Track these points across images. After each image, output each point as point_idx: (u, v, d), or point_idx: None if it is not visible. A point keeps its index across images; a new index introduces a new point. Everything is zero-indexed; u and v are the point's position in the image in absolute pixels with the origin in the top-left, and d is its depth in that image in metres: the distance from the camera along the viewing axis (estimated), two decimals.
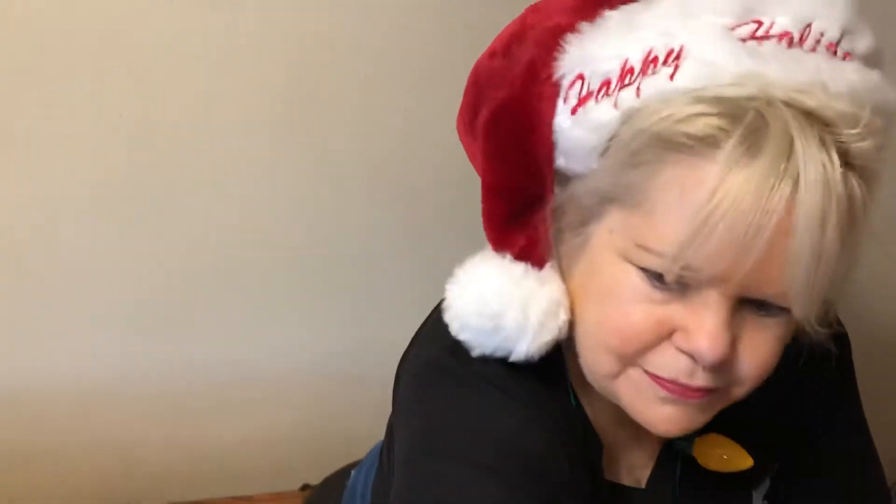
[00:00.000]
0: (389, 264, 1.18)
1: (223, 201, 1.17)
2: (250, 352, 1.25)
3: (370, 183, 1.18)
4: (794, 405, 0.71)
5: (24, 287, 1.18)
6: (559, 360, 0.63)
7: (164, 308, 1.20)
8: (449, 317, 0.61)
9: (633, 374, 0.56)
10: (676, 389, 0.54)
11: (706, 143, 0.48)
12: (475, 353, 0.61)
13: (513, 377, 0.61)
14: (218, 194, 1.16)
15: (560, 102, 0.56)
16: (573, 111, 0.55)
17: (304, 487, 1.29)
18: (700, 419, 0.57)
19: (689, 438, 0.66)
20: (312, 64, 1.13)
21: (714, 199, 0.47)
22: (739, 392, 0.56)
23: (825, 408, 0.72)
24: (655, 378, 0.54)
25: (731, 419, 0.63)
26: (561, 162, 0.58)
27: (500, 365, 0.61)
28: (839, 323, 0.72)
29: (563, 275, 0.60)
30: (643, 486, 0.68)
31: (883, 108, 0.52)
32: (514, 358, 0.60)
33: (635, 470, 0.70)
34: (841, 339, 0.72)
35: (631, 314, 0.53)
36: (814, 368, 0.68)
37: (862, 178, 0.50)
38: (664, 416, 0.55)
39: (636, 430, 0.63)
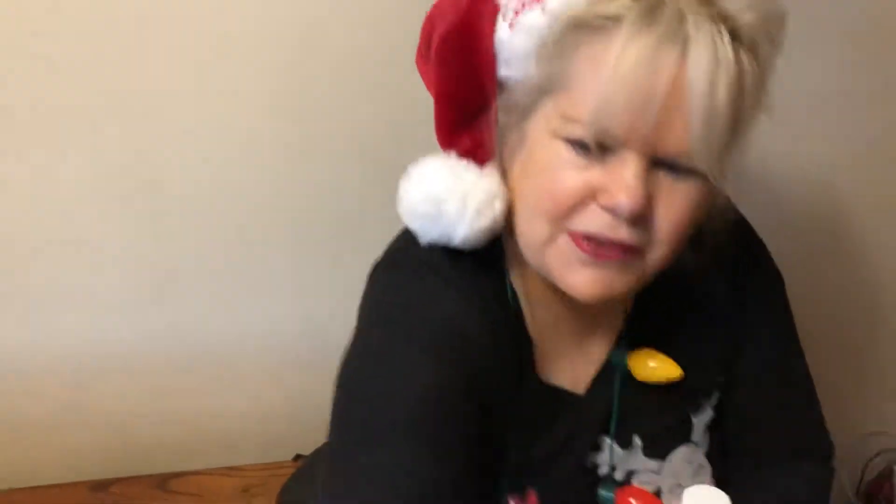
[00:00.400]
0: (382, 241, 1.19)
1: (214, 179, 1.18)
2: (244, 325, 1.26)
3: (363, 161, 1.19)
4: (724, 326, 0.79)
5: (16, 262, 1.19)
6: (499, 254, 0.72)
7: (158, 282, 1.21)
8: (401, 209, 0.70)
9: (561, 241, 0.64)
10: (598, 249, 0.62)
11: (613, 21, 0.58)
12: (423, 241, 0.70)
13: (454, 265, 0.70)
14: (209, 173, 1.17)
15: (500, 20, 0.65)
16: (511, 25, 0.64)
17: (297, 458, 1.32)
18: (619, 281, 0.64)
19: (624, 352, 0.75)
20: (305, 43, 1.13)
21: (618, 66, 0.56)
22: (655, 256, 0.64)
23: (755, 327, 0.80)
24: (579, 241, 0.63)
25: (669, 341, 0.74)
26: (503, 72, 0.67)
27: (443, 253, 0.70)
28: (752, 234, 0.82)
29: (505, 173, 0.69)
30: (581, 393, 0.76)
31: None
32: (454, 244, 0.69)
33: (579, 380, 0.76)
34: (757, 246, 0.81)
35: (561, 180, 0.62)
36: (740, 286, 0.78)
37: (751, 53, 0.59)
38: (586, 279, 0.63)
39: (578, 338, 0.73)
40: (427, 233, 0.70)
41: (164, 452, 1.31)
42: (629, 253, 0.63)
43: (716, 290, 0.79)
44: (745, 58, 0.59)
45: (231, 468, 1.30)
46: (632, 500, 0.75)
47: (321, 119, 1.17)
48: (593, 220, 0.62)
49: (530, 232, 0.67)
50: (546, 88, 0.64)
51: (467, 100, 0.68)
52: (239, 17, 1.10)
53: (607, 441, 0.75)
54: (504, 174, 0.70)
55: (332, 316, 1.26)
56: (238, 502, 1.26)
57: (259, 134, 1.16)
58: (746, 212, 0.85)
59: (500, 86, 0.68)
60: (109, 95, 1.11)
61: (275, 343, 1.32)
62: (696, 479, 0.77)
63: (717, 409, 0.81)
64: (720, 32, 0.57)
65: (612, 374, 0.76)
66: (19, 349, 1.25)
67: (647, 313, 0.77)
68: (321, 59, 1.15)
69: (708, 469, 0.79)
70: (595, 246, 0.63)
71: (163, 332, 1.23)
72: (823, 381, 1.46)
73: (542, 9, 0.62)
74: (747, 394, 0.81)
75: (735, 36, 0.59)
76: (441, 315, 0.69)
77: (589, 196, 0.62)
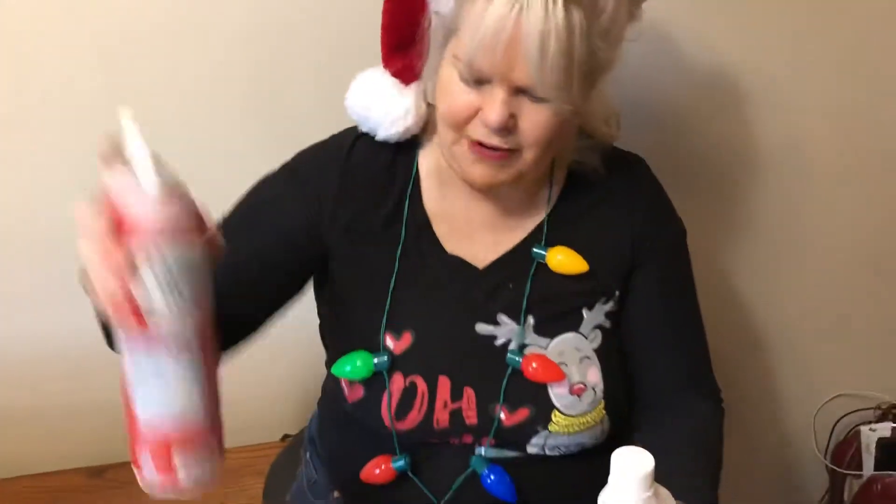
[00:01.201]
0: None
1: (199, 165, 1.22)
2: None
3: None
4: (624, 244, 0.94)
5: (15, 253, 1.24)
6: (415, 149, 0.93)
7: None
8: (347, 104, 0.91)
9: (461, 144, 0.83)
10: (483, 151, 0.82)
11: None
12: (359, 130, 0.92)
13: (368, 148, 0.92)
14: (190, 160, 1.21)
15: None
16: None
17: (285, 438, 1.37)
18: (501, 174, 0.84)
19: (543, 245, 0.91)
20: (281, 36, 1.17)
21: (479, 22, 0.76)
22: (527, 157, 0.83)
23: (650, 259, 0.95)
24: (471, 146, 0.82)
25: (577, 244, 0.91)
26: (433, 7, 0.84)
27: (367, 139, 0.92)
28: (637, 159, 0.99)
29: (429, 94, 0.89)
30: (480, 268, 0.92)
31: None
32: (378, 138, 0.91)
33: (480, 258, 0.92)
34: (659, 192, 0.98)
35: (455, 100, 0.82)
36: (642, 220, 0.94)
37: (586, 12, 0.76)
38: (476, 172, 0.84)
39: (490, 227, 0.92)
40: (361, 126, 0.92)
41: None
42: (505, 155, 0.82)
43: (620, 214, 0.94)
44: (577, 14, 0.76)
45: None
46: (534, 364, 0.88)
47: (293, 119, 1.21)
48: (477, 130, 0.81)
49: (442, 134, 0.86)
50: (451, 28, 0.81)
51: (404, 29, 0.87)
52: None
53: (504, 316, 0.90)
54: (427, 94, 0.90)
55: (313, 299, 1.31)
56: (229, 483, 1.30)
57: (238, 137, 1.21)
58: None
59: (432, 21, 0.85)
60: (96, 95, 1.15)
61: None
62: (580, 367, 0.89)
63: (610, 318, 0.93)
64: (554, 1, 0.74)
65: (516, 260, 0.92)
66: (14, 341, 1.30)
67: (562, 220, 0.93)
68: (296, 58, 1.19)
69: (596, 365, 0.90)
70: (480, 149, 0.82)
71: None
72: (793, 343, 1.53)
73: None
74: (639, 324, 0.95)
75: None
76: (323, 161, 0.92)
77: (473, 113, 0.81)
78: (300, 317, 1.33)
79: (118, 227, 0.55)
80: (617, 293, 0.94)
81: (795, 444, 1.63)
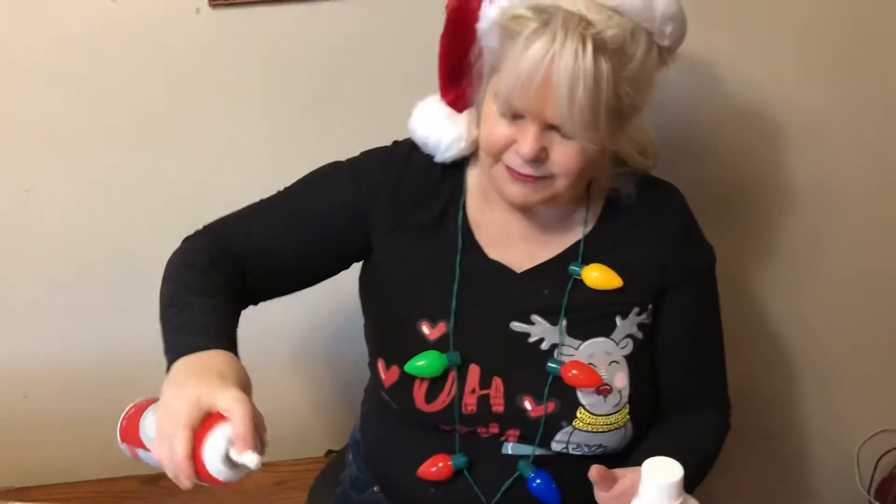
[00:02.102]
0: None
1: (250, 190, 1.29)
2: (275, 327, 1.35)
3: None
4: (657, 263, 0.99)
5: (72, 267, 1.32)
6: (464, 167, 1.02)
7: None
8: (410, 129, 1.00)
9: (498, 168, 0.92)
10: (518, 176, 0.90)
11: (518, 30, 0.84)
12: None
13: (428, 156, 1.01)
14: (242, 186, 1.28)
15: (485, 2, 0.90)
16: (490, 1, 0.89)
17: (329, 453, 1.41)
18: (536, 196, 0.92)
19: (580, 262, 0.98)
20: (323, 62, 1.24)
21: (514, 66, 0.84)
22: (560, 183, 0.90)
23: (681, 279, 1.00)
24: (508, 170, 0.90)
25: (612, 261, 0.97)
26: (483, 42, 0.92)
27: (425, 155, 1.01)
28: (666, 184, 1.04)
29: (478, 119, 0.95)
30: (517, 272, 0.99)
31: (633, 13, 0.85)
32: (436, 160, 1.00)
33: (518, 266, 0.99)
34: (673, 195, 1.03)
35: (494, 130, 0.90)
36: (672, 242, 1.00)
37: (614, 60, 0.83)
38: (515, 192, 0.92)
39: (527, 240, 0.99)
40: (422, 149, 1.01)
41: None
42: (538, 180, 0.90)
43: (654, 239, 1.00)
44: (604, 63, 0.83)
45: (266, 464, 1.39)
46: (573, 371, 0.93)
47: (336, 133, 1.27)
48: (512, 159, 0.90)
49: (482, 158, 0.95)
50: (494, 66, 0.89)
51: (458, 62, 0.96)
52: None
53: (538, 316, 0.97)
54: (477, 119, 0.96)
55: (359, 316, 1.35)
56: (274, 495, 1.35)
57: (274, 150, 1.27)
58: None
59: (482, 54, 0.93)
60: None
61: (308, 345, 1.43)
62: (608, 370, 0.95)
63: (642, 329, 0.98)
64: (584, 46, 0.81)
65: (552, 272, 0.99)
66: (75, 352, 1.37)
67: (598, 240, 1.00)
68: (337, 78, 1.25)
69: (624, 371, 0.95)
70: (516, 173, 0.90)
71: None
72: (834, 378, 1.52)
73: (491, 1, 0.89)
74: (666, 340, 1.01)
75: (600, 47, 0.82)
76: (384, 160, 1.01)
77: (509, 144, 0.89)
78: (346, 337, 1.39)
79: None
80: (650, 306, 0.99)
81: (839, 480, 1.61)
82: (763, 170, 1.39)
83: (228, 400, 0.73)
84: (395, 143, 1.03)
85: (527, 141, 0.86)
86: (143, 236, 1.30)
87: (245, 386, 0.78)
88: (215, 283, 0.91)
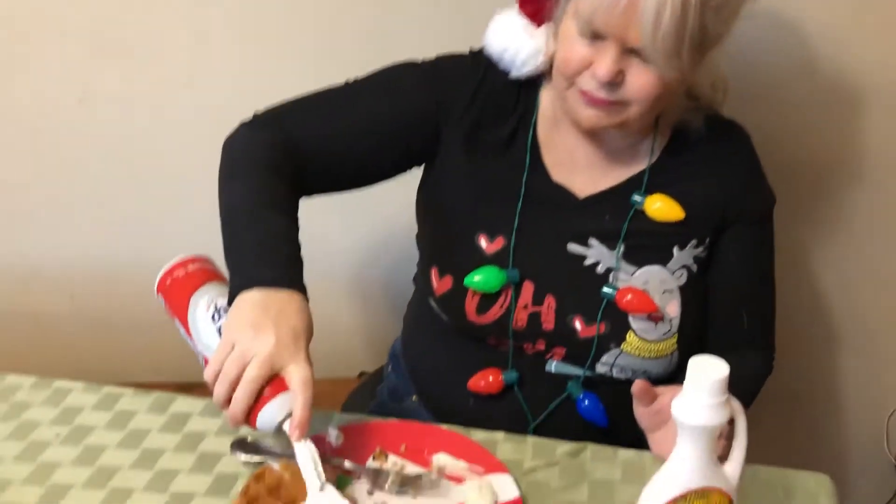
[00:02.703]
0: None
1: None
2: (310, 248, 1.36)
3: None
4: (718, 199, 0.98)
5: (124, 173, 1.34)
6: (538, 86, 1.00)
7: None
8: (485, 43, 0.99)
9: (572, 91, 0.91)
10: (592, 100, 0.89)
11: None
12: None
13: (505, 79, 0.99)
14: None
15: None
16: None
17: (361, 374, 1.43)
18: (607, 120, 0.91)
19: (643, 194, 0.97)
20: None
21: None
22: (634, 109, 0.89)
23: (741, 220, 1.00)
24: (582, 94, 0.89)
25: (675, 193, 0.96)
26: None
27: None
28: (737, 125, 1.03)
29: (555, 37, 0.94)
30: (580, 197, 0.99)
31: None
32: (511, 76, 0.98)
33: (580, 191, 0.99)
34: (740, 133, 1.02)
35: (571, 51, 0.89)
36: (735, 182, 0.99)
37: None
38: (586, 116, 0.91)
39: (591, 166, 0.98)
40: (497, 64, 0.99)
41: None
42: (611, 105, 0.89)
43: (718, 175, 0.99)
44: None
45: None
46: (629, 296, 0.94)
47: None
48: (587, 82, 0.89)
49: (556, 80, 0.94)
50: None
51: None
52: None
53: (596, 240, 0.97)
54: (555, 37, 0.95)
55: (402, 235, 1.31)
56: None
57: None
58: None
59: None
60: None
61: (344, 267, 1.44)
62: (662, 298, 0.95)
63: (698, 262, 0.98)
64: None
65: (614, 199, 0.98)
66: (122, 256, 1.40)
67: (662, 171, 0.99)
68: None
69: (677, 300, 0.96)
70: (590, 97, 0.89)
71: None
72: (873, 346, 1.51)
73: None
74: (720, 278, 1.00)
75: None
76: (463, 68, 1.00)
77: (585, 66, 0.88)
78: (383, 260, 1.41)
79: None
80: (708, 240, 0.99)
81: (866, 446, 1.60)
82: (825, 128, 1.37)
83: (298, 380, 0.76)
84: (472, 53, 1.02)
85: (605, 63, 0.85)
86: (198, 146, 1.32)
87: (310, 337, 0.82)
88: (284, 186, 0.90)
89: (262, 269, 0.82)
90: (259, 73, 1.31)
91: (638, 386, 0.83)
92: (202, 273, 0.87)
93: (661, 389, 0.85)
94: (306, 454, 0.76)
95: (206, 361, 0.81)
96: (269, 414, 0.77)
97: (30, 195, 1.40)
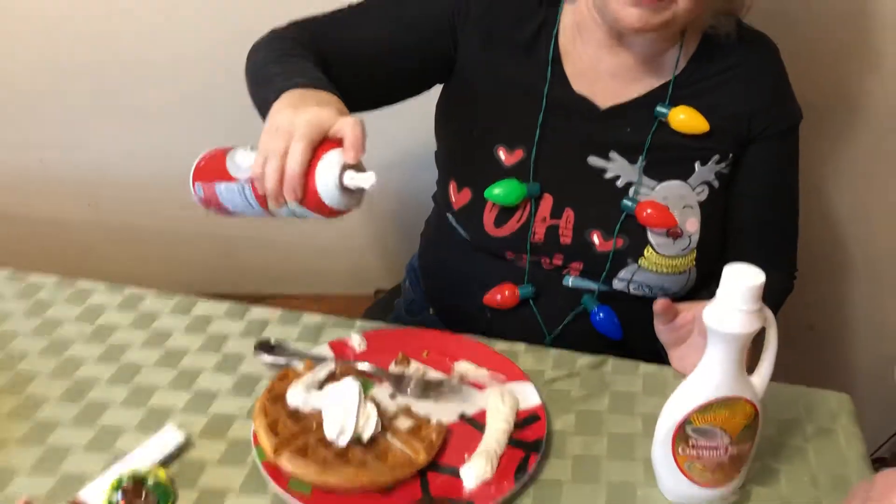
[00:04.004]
0: None
1: None
2: None
3: None
4: (744, 112, 0.96)
5: (146, 77, 1.32)
6: (559, 4, 0.97)
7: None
8: None
9: None
10: None
11: None
12: None
13: None
14: None
15: None
16: None
17: (377, 293, 1.44)
18: (653, 19, 0.86)
19: (667, 106, 0.94)
20: None
21: None
22: (683, 5, 0.86)
23: (766, 134, 0.97)
24: None
25: (700, 104, 0.94)
26: None
27: None
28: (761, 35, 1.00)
29: None
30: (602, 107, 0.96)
31: None
32: None
33: (603, 101, 0.96)
34: (769, 46, 0.99)
35: None
36: (764, 93, 0.97)
37: None
38: (631, 14, 0.86)
39: (614, 76, 0.95)
40: None
41: (259, 274, 1.45)
42: (660, 1, 0.85)
43: (746, 86, 0.97)
44: None
45: (316, 296, 1.43)
46: (648, 210, 0.92)
47: None
48: None
49: None
50: None
51: None
52: None
53: (616, 153, 0.95)
54: None
55: (414, 161, 1.33)
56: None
57: None
58: None
59: None
60: None
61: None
62: (681, 214, 0.94)
63: (719, 178, 0.97)
64: None
65: (637, 110, 0.96)
66: (141, 166, 1.39)
67: (688, 82, 0.96)
68: None
69: (696, 216, 0.95)
70: None
71: None
72: (889, 280, 1.50)
73: None
74: (742, 193, 0.99)
75: None
76: None
77: None
78: (397, 180, 1.40)
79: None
80: (731, 156, 0.97)
81: (876, 372, 1.60)
82: (847, 60, 1.33)
83: (347, 119, 0.71)
84: None
85: None
86: (222, 50, 1.30)
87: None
88: (309, 57, 0.88)
89: (295, 80, 0.79)
90: None
91: (660, 304, 0.82)
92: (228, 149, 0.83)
93: (682, 306, 0.84)
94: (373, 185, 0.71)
95: (252, 183, 0.75)
96: (327, 169, 0.70)
97: (47, 101, 1.38)
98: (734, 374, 0.66)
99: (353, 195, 0.73)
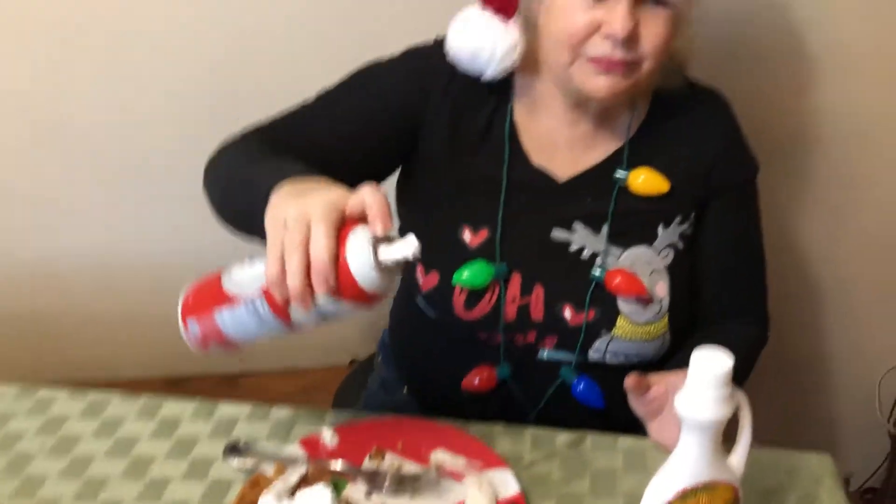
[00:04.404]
0: None
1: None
2: None
3: None
4: (700, 171, 0.97)
5: (108, 165, 1.31)
6: (508, 82, 0.96)
7: None
8: (447, 47, 0.92)
9: (580, 62, 0.87)
10: (607, 65, 0.85)
11: None
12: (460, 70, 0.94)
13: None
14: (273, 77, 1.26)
15: None
16: None
17: (352, 363, 1.42)
18: (622, 84, 0.87)
19: (626, 167, 0.95)
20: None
21: None
22: (647, 66, 0.87)
23: (723, 190, 0.98)
24: (593, 61, 0.86)
25: (661, 165, 0.94)
26: None
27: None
28: (714, 91, 1.01)
29: (532, 22, 0.91)
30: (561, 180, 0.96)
31: None
32: (484, 79, 0.93)
33: (562, 174, 0.96)
34: (720, 100, 1.01)
35: (574, 18, 0.85)
36: (708, 129, 0.97)
37: None
38: (602, 85, 0.87)
39: (571, 149, 0.96)
40: (466, 66, 0.93)
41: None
42: (627, 65, 0.86)
43: (701, 142, 0.97)
44: None
45: (293, 370, 1.41)
46: (618, 278, 0.92)
47: None
48: (598, 47, 0.85)
49: (556, 58, 0.89)
50: None
51: None
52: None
53: (580, 224, 0.95)
54: (530, 22, 0.91)
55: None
56: (299, 400, 1.36)
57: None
58: None
59: None
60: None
61: None
62: (650, 280, 0.93)
63: (683, 239, 0.97)
64: None
65: (596, 178, 0.96)
66: (101, 249, 1.37)
67: (643, 144, 0.96)
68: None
69: (665, 280, 0.94)
70: (606, 62, 0.85)
71: (231, 240, 1.33)
72: (862, 309, 1.51)
73: None
74: (707, 250, 0.99)
75: None
76: (435, 59, 0.94)
77: (594, 29, 0.85)
78: None
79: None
80: (693, 215, 0.97)
81: (857, 406, 1.61)
82: (797, 99, 1.35)
83: (362, 190, 0.65)
84: (438, 41, 0.97)
85: (620, 17, 0.82)
86: (176, 137, 1.29)
87: None
88: (284, 155, 0.83)
89: (284, 172, 0.73)
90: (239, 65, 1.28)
91: (630, 380, 0.81)
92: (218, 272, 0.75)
93: (654, 378, 0.83)
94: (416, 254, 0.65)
95: (266, 293, 0.67)
96: (358, 245, 0.63)
97: (16, 192, 1.36)
98: (710, 459, 0.65)
99: (390, 272, 0.65)
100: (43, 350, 1.42)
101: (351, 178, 0.94)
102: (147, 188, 1.34)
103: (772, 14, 1.29)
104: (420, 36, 0.98)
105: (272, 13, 1.26)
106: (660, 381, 0.82)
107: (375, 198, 0.65)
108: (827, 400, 1.62)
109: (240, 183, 0.78)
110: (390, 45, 0.98)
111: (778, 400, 1.59)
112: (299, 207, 0.65)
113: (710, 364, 0.62)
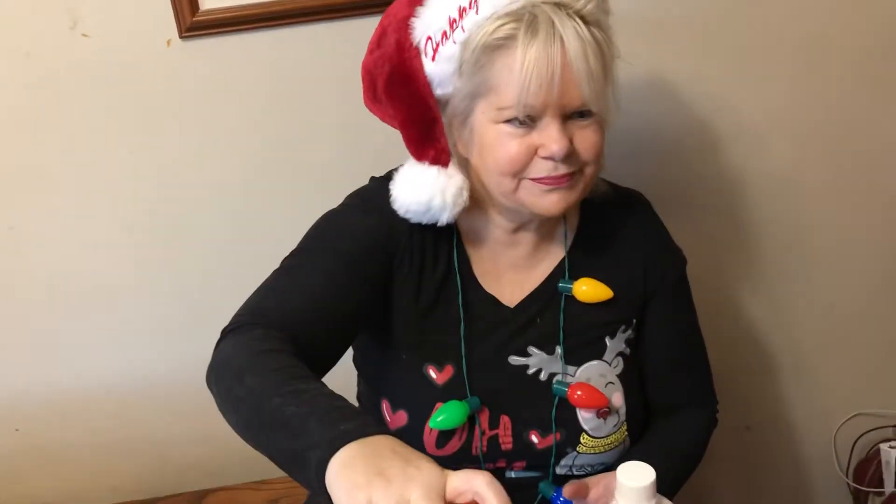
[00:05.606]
0: None
1: (225, 218, 1.31)
2: None
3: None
4: (637, 279, 1.01)
5: (58, 300, 1.33)
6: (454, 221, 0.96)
7: (184, 315, 1.35)
8: (397, 206, 0.93)
9: (525, 184, 0.89)
10: (552, 181, 0.88)
11: (510, 39, 0.84)
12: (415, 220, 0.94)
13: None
14: (218, 214, 1.31)
15: (423, 57, 0.90)
16: (433, 59, 0.89)
17: None
18: (572, 196, 0.91)
19: (569, 279, 0.99)
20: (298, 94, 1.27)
21: (525, 67, 0.83)
22: (589, 171, 0.90)
23: (659, 292, 1.02)
24: (537, 181, 0.89)
25: (601, 274, 0.98)
26: (438, 91, 0.91)
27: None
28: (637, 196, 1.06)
29: (464, 161, 0.93)
30: (510, 307, 0.99)
31: None
32: (439, 224, 0.93)
33: (513, 298, 0.99)
34: (641, 200, 1.05)
35: (509, 148, 0.87)
36: (648, 253, 1.02)
37: (598, 26, 0.86)
38: (552, 201, 0.90)
39: (516, 271, 0.99)
40: (419, 218, 0.94)
41: (199, 471, 1.43)
42: (572, 176, 0.89)
43: (632, 247, 1.02)
44: (596, 32, 0.85)
45: (260, 482, 1.42)
46: (579, 392, 0.95)
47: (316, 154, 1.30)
48: (540, 168, 0.88)
49: (500, 188, 0.91)
50: (476, 94, 0.88)
51: (422, 119, 0.92)
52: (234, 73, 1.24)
53: (534, 348, 0.98)
54: (463, 161, 0.94)
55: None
56: None
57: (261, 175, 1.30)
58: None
59: (440, 104, 0.92)
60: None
61: None
62: (606, 392, 0.97)
63: (629, 344, 1.01)
64: (578, 23, 0.84)
65: (542, 296, 0.99)
66: (64, 383, 1.38)
67: (580, 254, 1.01)
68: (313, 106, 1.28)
69: (619, 390, 0.98)
70: (549, 179, 0.88)
71: (192, 363, 1.33)
72: (807, 364, 1.56)
73: (454, 41, 0.88)
74: (651, 347, 1.03)
75: (585, 21, 0.85)
76: (388, 211, 0.94)
77: (532, 153, 0.88)
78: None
79: None
80: (634, 321, 1.02)
81: (817, 463, 1.65)
82: (729, 166, 1.42)
83: (480, 480, 0.59)
84: (381, 185, 0.96)
85: (554, 137, 0.85)
86: (128, 268, 1.32)
87: None
88: (297, 361, 0.77)
89: (338, 425, 0.65)
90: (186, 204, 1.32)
91: (569, 489, 0.86)
92: None
93: (591, 482, 0.89)
94: None
95: None
96: None
97: None
98: None
99: None
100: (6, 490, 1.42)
101: (352, 328, 0.94)
102: (99, 316, 1.36)
103: (691, 84, 1.35)
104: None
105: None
106: (597, 484, 0.87)
107: (496, 490, 0.59)
108: (788, 458, 1.66)
109: (272, 420, 0.70)
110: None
111: (740, 466, 1.63)
112: (392, 497, 0.58)
113: (634, 477, 0.66)
